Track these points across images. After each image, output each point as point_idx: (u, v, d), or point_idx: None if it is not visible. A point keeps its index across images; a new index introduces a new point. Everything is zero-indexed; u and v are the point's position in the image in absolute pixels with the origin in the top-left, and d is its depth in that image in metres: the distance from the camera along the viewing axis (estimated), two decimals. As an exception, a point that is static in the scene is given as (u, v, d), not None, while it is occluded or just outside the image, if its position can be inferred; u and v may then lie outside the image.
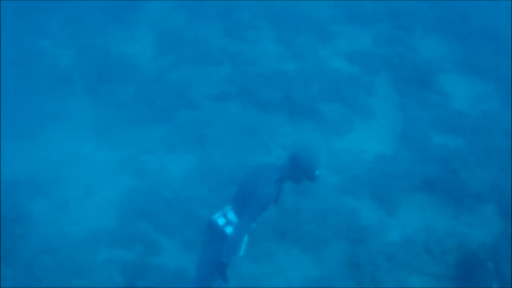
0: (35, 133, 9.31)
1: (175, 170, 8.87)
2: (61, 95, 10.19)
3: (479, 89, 10.72)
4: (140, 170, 8.81)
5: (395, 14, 12.16)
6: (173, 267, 7.41)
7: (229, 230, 6.14)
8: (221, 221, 6.26)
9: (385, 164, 9.03)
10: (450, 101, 10.32)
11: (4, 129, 9.18)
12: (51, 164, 8.83)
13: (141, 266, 7.38)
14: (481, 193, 8.49)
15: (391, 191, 8.54)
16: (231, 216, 6.26)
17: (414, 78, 10.61)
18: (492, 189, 8.62)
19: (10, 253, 7.33)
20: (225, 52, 10.97)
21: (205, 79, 10.43)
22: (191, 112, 9.84)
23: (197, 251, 6.61)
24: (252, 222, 6.11)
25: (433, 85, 10.53)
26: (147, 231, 7.85)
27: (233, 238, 5.98)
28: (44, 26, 11.82)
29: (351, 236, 7.88)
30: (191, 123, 9.63)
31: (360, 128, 9.81)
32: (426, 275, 7.53)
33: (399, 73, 10.65)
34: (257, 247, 7.44)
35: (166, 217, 8.04)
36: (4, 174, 8.34)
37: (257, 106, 10.00)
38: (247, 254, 6.21)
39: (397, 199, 8.49)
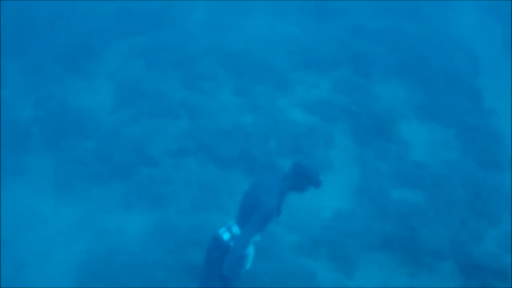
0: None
1: (133, 231, 8.82)
2: (20, 149, 10.12)
3: (439, 137, 10.79)
4: (98, 230, 8.75)
5: (354, 58, 12.23)
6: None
7: (232, 245, 6.06)
8: (226, 236, 6.26)
9: (343, 221, 9.02)
10: (409, 151, 10.36)
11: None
12: (8, 223, 8.72)
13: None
14: (440, 250, 8.54)
15: (349, 251, 8.51)
16: (236, 230, 6.23)
17: (373, 127, 10.62)
18: (452, 244, 8.69)
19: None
20: (184, 105, 10.96)
21: (163, 134, 10.38)
22: (149, 169, 9.80)
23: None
24: (257, 234, 6.05)
25: (392, 134, 10.55)
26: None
27: (235, 250, 5.93)
28: (2, 76, 11.71)
29: (309, 301, 7.65)
30: (149, 180, 9.58)
31: (318, 183, 9.63)
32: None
33: (358, 122, 10.67)
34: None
35: (123, 281, 7.93)
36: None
37: (215, 162, 10.00)
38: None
39: (355, 259, 8.46)
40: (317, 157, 9.75)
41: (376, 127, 10.67)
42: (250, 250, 6.21)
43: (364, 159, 10.14)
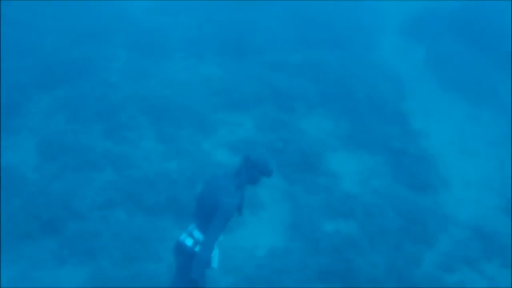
0: None
1: (68, 285, 8.53)
2: None
3: (368, 165, 10.82)
4: (33, 288, 8.28)
5: (277, 94, 12.25)
6: None
7: (198, 249, 6.01)
8: (188, 241, 6.21)
9: (277, 258, 8.90)
10: (339, 182, 10.31)
11: None
12: None
13: None
14: (378, 278, 8.48)
15: (285, 288, 8.15)
16: (198, 234, 6.19)
17: (301, 162, 10.58)
18: (389, 271, 8.67)
19: None
20: (107, 156, 10.76)
21: (89, 187, 10.15)
22: (78, 223, 9.55)
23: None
24: (219, 235, 5.99)
25: (320, 166, 10.51)
26: None
27: (201, 255, 5.91)
28: None
29: None
30: (79, 234, 9.31)
31: (250, 222, 9.65)
32: None
33: (284, 159, 10.57)
34: None
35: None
36: None
37: (143, 211, 9.79)
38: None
39: (292, 296, 8.10)
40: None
41: (304, 161, 10.63)
42: (215, 251, 6.20)
43: (294, 194, 10.06)
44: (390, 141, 11.20)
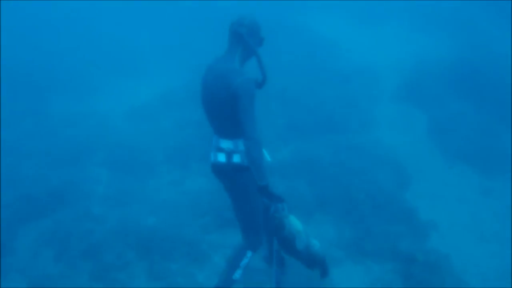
0: None
1: None
2: None
3: (376, 275, 10.50)
4: None
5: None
6: None
7: (236, 157, 5.87)
8: (221, 157, 6.03)
9: None
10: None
11: None
12: None
13: None
14: None
15: None
16: (226, 143, 5.99)
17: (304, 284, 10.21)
18: None
19: None
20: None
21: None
22: None
23: None
24: (255, 123, 5.66)
25: (325, 284, 10.19)
26: None
27: (252, 155, 5.69)
28: None
29: None
30: None
31: None
32: None
33: (286, 280, 10.22)
34: None
35: None
36: None
37: None
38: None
39: None
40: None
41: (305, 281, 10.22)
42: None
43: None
44: (398, 243, 10.92)
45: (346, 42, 20.04)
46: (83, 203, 13.28)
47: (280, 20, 21.80)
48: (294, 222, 7.35)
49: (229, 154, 5.93)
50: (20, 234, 12.69)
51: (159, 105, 16.41)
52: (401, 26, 21.27)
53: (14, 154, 14.93)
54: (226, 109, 5.83)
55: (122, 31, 22.67)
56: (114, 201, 13.12)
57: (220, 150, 6.02)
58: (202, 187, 13.02)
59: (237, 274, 7.04)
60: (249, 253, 6.96)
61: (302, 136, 14.36)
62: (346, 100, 16.06)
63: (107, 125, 16.19)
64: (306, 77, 16.82)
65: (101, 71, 20.28)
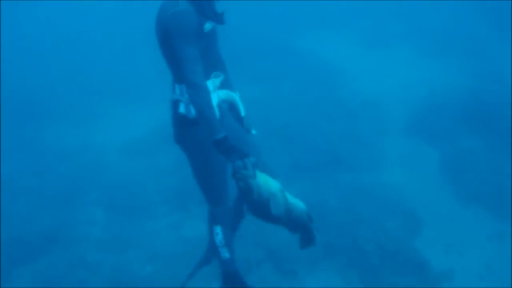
0: None
1: None
2: None
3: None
4: None
5: (274, 254, 11.77)
6: None
7: (181, 107, 5.56)
8: (181, 108, 5.60)
9: None
10: None
11: None
12: None
13: None
14: None
15: None
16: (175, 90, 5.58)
17: None
18: None
19: None
20: None
21: None
22: None
23: None
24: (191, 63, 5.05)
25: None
26: None
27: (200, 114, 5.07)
28: None
29: None
30: None
31: None
32: None
33: None
34: None
35: None
36: None
37: None
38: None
39: None
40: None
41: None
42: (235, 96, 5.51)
43: None
44: (410, 298, 10.41)
45: (352, 69, 19.65)
46: (77, 248, 13.01)
47: (280, 45, 21.49)
48: (266, 183, 5.83)
49: (175, 103, 5.38)
50: (14, 276, 12.50)
51: (156, 139, 16.02)
52: (410, 51, 20.88)
53: (6, 191, 14.64)
54: (164, 49, 5.30)
55: (118, 59, 22.37)
56: (109, 246, 12.77)
57: (177, 95, 5.47)
58: (203, 233, 12.57)
59: (223, 254, 6.47)
60: (217, 229, 6.36)
61: (306, 176, 13.91)
62: (353, 135, 15.67)
63: (102, 161, 15.85)
64: (310, 110, 16.44)
65: (97, 99, 20.00)
